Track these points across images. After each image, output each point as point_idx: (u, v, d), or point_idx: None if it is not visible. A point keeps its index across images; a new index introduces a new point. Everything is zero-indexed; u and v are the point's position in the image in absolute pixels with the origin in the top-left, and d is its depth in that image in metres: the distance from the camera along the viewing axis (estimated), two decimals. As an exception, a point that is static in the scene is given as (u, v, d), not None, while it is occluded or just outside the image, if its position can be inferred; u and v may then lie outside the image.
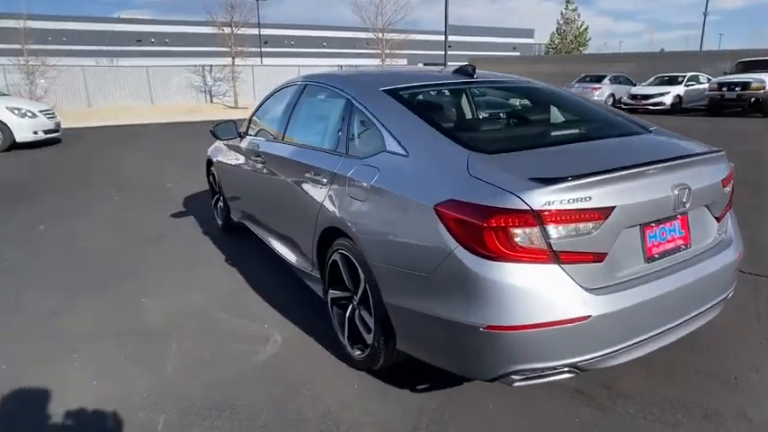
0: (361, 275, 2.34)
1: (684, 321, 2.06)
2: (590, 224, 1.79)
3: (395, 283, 2.12)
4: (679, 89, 18.13)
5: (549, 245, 1.76)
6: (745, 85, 14.80)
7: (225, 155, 4.43)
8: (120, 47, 49.67)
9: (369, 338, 2.38)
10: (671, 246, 2.04)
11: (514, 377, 1.85)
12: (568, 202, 1.74)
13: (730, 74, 16.27)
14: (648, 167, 1.92)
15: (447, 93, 3.15)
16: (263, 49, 41.70)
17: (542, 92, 3.10)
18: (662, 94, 17.86)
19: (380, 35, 29.89)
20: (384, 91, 2.60)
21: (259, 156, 3.53)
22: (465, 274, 1.81)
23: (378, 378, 2.47)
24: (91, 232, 5.01)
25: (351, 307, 2.57)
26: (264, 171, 3.45)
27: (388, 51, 30.49)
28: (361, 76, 3.12)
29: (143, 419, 2.23)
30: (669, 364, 2.46)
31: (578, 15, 41.73)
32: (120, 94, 24.16)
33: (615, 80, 21.22)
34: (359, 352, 2.49)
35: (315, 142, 2.97)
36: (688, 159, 2.07)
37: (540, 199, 1.72)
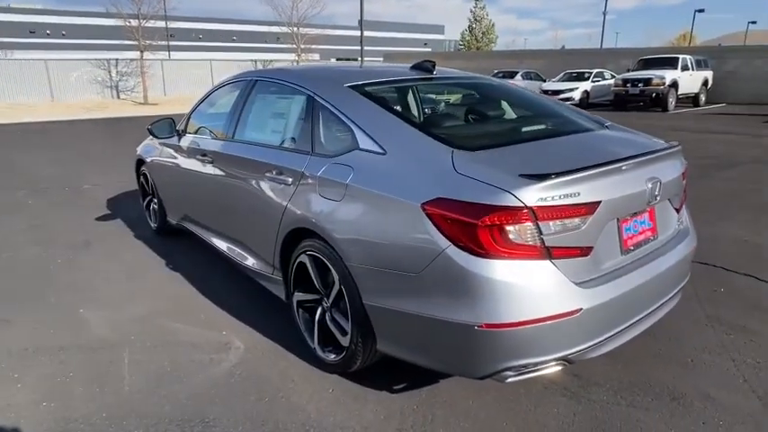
0: (335, 277, 2.29)
1: (657, 308, 2.22)
2: (578, 219, 1.86)
3: (377, 283, 2.09)
4: (586, 85, 19.45)
5: (542, 241, 1.81)
6: (647, 82, 16.18)
7: (161, 154, 4.16)
8: (11, 38, 45.00)
9: (344, 341, 2.33)
10: (642, 237, 2.17)
11: (508, 373, 1.88)
12: (560, 197, 1.80)
13: (633, 71, 17.70)
14: (627, 162, 2.01)
15: (414, 89, 3.14)
16: (170, 43, 39.54)
17: (501, 88, 3.17)
18: (571, 90, 19.06)
19: (296, 29, 29.37)
20: (350, 87, 2.55)
21: (205, 155, 3.35)
22: (458, 272, 1.82)
23: (352, 380, 2.43)
24: (10, 241, 4.52)
25: (320, 310, 2.50)
26: (212, 171, 3.27)
27: (303, 46, 30.04)
28: (320, 71, 3.04)
29: (106, 443, 2.06)
30: (628, 350, 2.54)
31: (486, 13, 43.67)
32: (15, 90, 21.90)
33: (527, 76, 22.38)
34: (333, 355, 2.43)
35: (273, 140, 2.86)
36: (658, 154, 2.19)
37: (534, 195, 1.76)
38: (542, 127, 2.63)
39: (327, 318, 2.46)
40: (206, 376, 2.50)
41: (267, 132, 2.98)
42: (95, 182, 6.85)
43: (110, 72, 24.51)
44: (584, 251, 1.92)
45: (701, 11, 54.74)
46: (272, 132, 2.92)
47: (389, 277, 2.04)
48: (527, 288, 1.81)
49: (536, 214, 1.79)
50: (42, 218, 5.24)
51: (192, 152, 3.57)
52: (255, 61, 30.28)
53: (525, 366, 1.88)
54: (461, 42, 46.64)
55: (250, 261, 3.05)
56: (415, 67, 2.94)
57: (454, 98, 3.16)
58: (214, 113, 3.65)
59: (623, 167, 2.01)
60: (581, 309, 1.85)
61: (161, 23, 28.02)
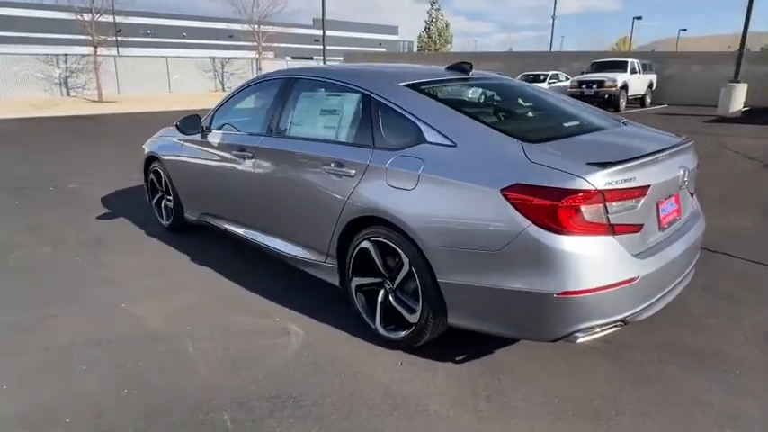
0: (405, 260, 2.49)
1: (684, 277, 2.58)
2: (634, 200, 2.17)
3: (453, 262, 2.31)
4: (543, 86, 20.31)
5: (608, 219, 2.11)
6: (600, 84, 17.17)
7: (182, 150, 4.20)
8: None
9: (413, 318, 2.54)
10: (671, 217, 2.51)
11: (578, 334, 2.16)
12: (621, 182, 2.10)
13: (586, 73, 18.69)
14: (666, 153, 2.37)
15: (461, 88, 3.36)
16: (118, 39, 38.05)
17: (527, 89, 3.47)
18: (530, 91, 19.87)
19: (256, 27, 29.01)
20: (405, 86, 2.77)
21: (243, 150, 3.45)
22: (539, 248, 2.08)
23: (416, 354, 2.64)
24: (16, 242, 4.42)
25: (382, 292, 2.70)
26: (250, 166, 3.38)
27: (265, 44, 29.73)
28: (372, 71, 3.18)
29: (205, 419, 2.17)
30: (649, 317, 2.92)
31: (442, 15, 44.70)
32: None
33: (488, 77, 23.14)
34: (402, 332, 2.62)
35: (326, 135, 3.01)
36: (684, 146, 2.59)
37: (602, 180, 2.05)
38: (578, 123, 2.92)
39: (392, 298, 2.66)
40: (277, 359, 2.64)
41: (317, 128, 3.12)
42: (79, 180, 6.69)
43: (59, 68, 23.41)
44: (637, 228, 2.24)
45: (639, 18, 57.83)
46: (323, 128, 3.06)
47: (467, 256, 2.27)
48: (596, 260, 2.10)
49: (604, 196, 2.07)
50: (38, 218, 5.12)
51: (225, 148, 3.66)
52: (213, 59, 29.69)
53: (593, 328, 2.16)
54: (419, 44, 47.49)
55: (297, 251, 3.19)
56: (452, 68, 3.18)
57: (494, 96, 3.42)
58: (248, 110, 3.74)
59: (664, 157, 2.34)
60: (638, 277, 2.17)
61: (108, 18, 26.96)
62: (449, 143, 2.42)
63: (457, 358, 2.63)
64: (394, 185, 2.51)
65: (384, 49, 64.33)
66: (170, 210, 4.57)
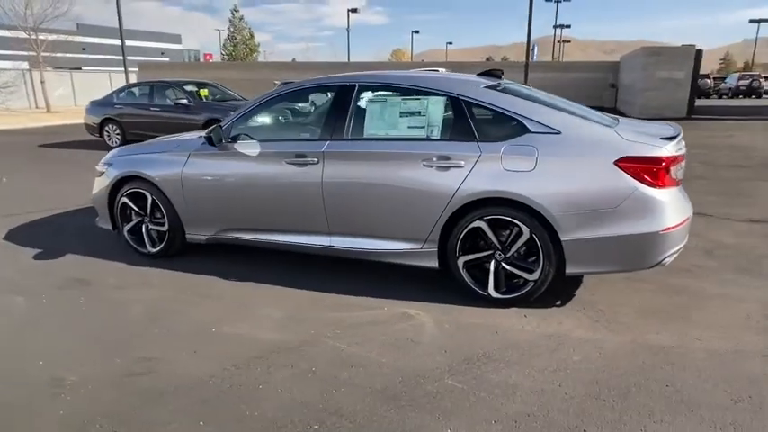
0: (525, 229, 3.04)
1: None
2: (680, 163, 3.08)
3: (575, 223, 2.94)
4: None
5: (676, 176, 3.00)
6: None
7: (192, 166, 3.93)
8: None
9: (533, 276, 3.11)
10: (679, 177, 3.48)
11: (667, 259, 3.00)
12: (678, 150, 3.01)
13: None
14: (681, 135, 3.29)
15: (514, 89, 3.83)
16: None
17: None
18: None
19: (32, 35, 24.83)
20: (487, 88, 3.31)
21: (304, 156, 3.52)
22: (647, 200, 2.87)
23: (528, 308, 3.20)
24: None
25: (494, 262, 3.20)
26: (318, 171, 3.47)
27: (45, 54, 25.65)
28: (450, 77, 3.59)
29: (439, 387, 2.44)
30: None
31: (245, 23, 44.01)
32: None
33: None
34: (521, 291, 3.17)
35: (416, 134, 3.32)
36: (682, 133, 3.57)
37: (673, 149, 2.95)
38: (601, 116, 3.71)
39: (506, 265, 3.18)
40: (430, 333, 2.94)
41: (400, 129, 3.36)
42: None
43: None
44: (680, 182, 3.17)
45: (416, 32, 64.78)
46: (408, 128, 3.35)
47: (587, 217, 2.94)
48: (677, 203, 3.00)
49: (675, 159, 2.95)
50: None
51: (272, 156, 3.65)
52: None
53: (672, 254, 3.03)
54: (224, 53, 45.79)
55: (386, 245, 3.43)
56: (484, 74, 3.74)
57: (536, 95, 4.08)
58: (290, 118, 3.76)
59: (682, 136, 3.32)
60: (690, 215, 3.11)
61: None
62: (553, 131, 3.05)
63: (556, 303, 3.28)
64: (511, 169, 3.04)
65: (168, 59, 59.67)
66: (162, 234, 4.22)
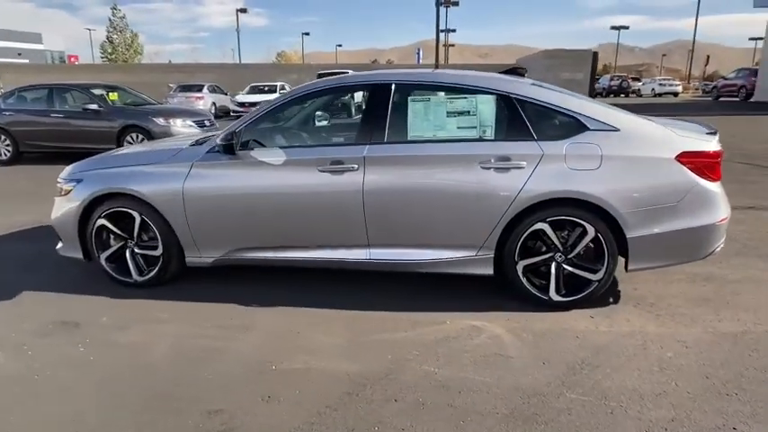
0: (590, 228, 3.00)
1: None
2: (719, 158, 3.18)
3: (639, 220, 2.96)
4: (277, 95, 21.20)
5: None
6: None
7: (197, 179, 3.39)
8: None
9: (596, 276, 3.09)
10: None
11: (718, 249, 3.13)
12: (719, 145, 3.12)
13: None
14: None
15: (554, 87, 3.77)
16: None
17: None
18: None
19: None
20: (533, 85, 3.23)
21: (341, 163, 3.18)
22: (706, 194, 2.97)
23: (589, 308, 3.18)
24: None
25: (554, 264, 3.13)
26: (359, 179, 3.15)
27: None
28: (495, 76, 3.41)
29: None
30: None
31: (127, 24, 40.27)
32: None
33: (212, 90, 22.64)
34: (584, 292, 3.12)
35: (468, 135, 3.14)
36: None
37: (718, 144, 3.07)
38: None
39: (568, 267, 3.12)
40: (516, 350, 2.78)
41: (449, 130, 3.15)
42: None
43: None
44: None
45: (306, 33, 64.23)
46: (458, 129, 3.14)
47: (651, 212, 2.97)
48: (725, 195, 3.12)
49: (720, 154, 3.10)
50: None
51: (303, 164, 3.26)
52: None
53: (720, 244, 3.17)
54: (103, 54, 41.38)
55: (437, 254, 3.21)
56: (509, 72, 3.68)
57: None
58: (328, 123, 3.38)
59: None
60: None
61: None
62: (612, 128, 3.04)
63: (610, 301, 3.30)
64: (576, 168, 2.98)
65: (27, 60, 52.75)
66: (154, 259, 3.62)
